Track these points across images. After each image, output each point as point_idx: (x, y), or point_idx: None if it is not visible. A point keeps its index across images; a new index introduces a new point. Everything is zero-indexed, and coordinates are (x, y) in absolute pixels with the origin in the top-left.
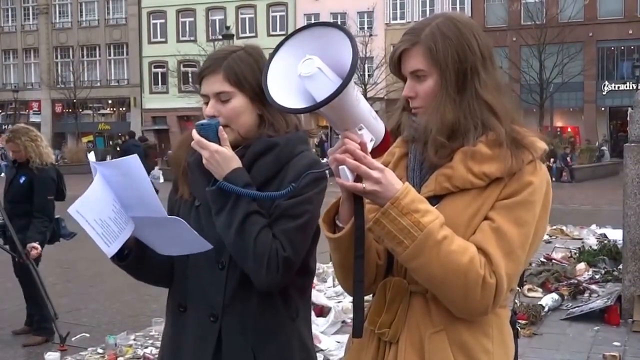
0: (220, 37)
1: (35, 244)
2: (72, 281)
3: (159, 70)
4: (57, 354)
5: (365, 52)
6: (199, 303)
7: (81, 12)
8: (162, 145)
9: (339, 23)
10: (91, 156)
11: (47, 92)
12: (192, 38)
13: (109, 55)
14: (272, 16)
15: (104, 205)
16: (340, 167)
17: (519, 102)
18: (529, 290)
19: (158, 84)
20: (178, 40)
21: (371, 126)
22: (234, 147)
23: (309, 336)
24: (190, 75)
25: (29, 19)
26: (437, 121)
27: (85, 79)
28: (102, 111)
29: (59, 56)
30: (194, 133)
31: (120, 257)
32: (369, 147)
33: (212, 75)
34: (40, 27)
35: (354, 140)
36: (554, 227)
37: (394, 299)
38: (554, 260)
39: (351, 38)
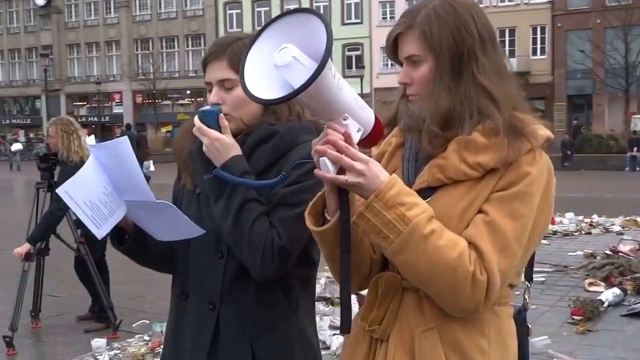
0: None
1: (22, 248)
2: (138, 268)
3: None
4: (103, 341)
5: None
6: (199, 291)
7: (160, 4)
8: None
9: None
10: (90, 139)
11: (128, 84)
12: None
13: (187, 46)
14: (347, 4)
15: (94, 188)
16: (320, 158)
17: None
18: (590, 284)
19: None
20: (253, 30)
21: (357, 115)
22: (237, 135)
23: (311, 330)
24: None
25: (110, 12)
26: (431, 109)
27: (164, 70)
28: (180, 101)
29: (139, 48)
30: (196, 119)
31: (121, 242)
32: (356, 137)
33: (216, 61)
34: (121, 20)
35: (337, 131)
36: (627, 218)
37: (386, 294)
38: (620, 253)
39: (325, 23)
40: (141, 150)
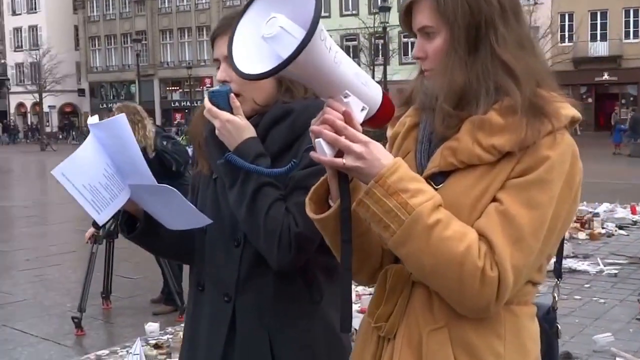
0: (377, 10)
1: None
2: None
3: None
4: (157, 325)
5: (530, 22)
6: (215, 282)
7: None
8: None
9: None
10: (92, 119)
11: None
12: (354, 12)
13: None
14: None
15: (94, 170)
16: (316, 140)
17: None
18: None
19: None
20: (341, 15)
21: (361, 92)
22: (252, 115)
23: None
24: (351, 49)
25: None
26: (444, 86)
27: None
28: None
29: None
30: (206, 101)
31: (131, 230)
32: (359, 116)
33: (222, 36)
34: (212, 6)
35: (336, 109)
36: None
37: (394, 289)
38: None
39: None
40: None
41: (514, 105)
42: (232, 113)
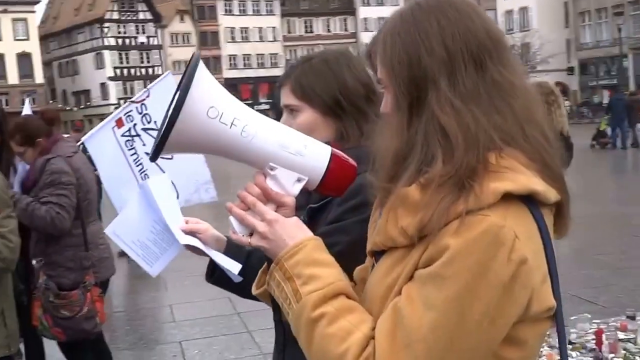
0: None
1: None
2: None
3: None
4: None
5: None
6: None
7: None
8: None
9: None
10: (163, 177)
11: None
12: None
13: None
14: None
15: (141, 227)
16: (229, 216)
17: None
18: None
19: None
20: None
21: (292, 163)
22: None
23: None
24: None
25: None
26: (382, 152)
27: None
28: None
29: None
30: None
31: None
32: (294, 189)
33: (283, 86)
34: None
35: (258, 183)
36: None
37: None
38: None
39: (194, 65)
40: (633, 114)
41: (431, 177)
42: None
